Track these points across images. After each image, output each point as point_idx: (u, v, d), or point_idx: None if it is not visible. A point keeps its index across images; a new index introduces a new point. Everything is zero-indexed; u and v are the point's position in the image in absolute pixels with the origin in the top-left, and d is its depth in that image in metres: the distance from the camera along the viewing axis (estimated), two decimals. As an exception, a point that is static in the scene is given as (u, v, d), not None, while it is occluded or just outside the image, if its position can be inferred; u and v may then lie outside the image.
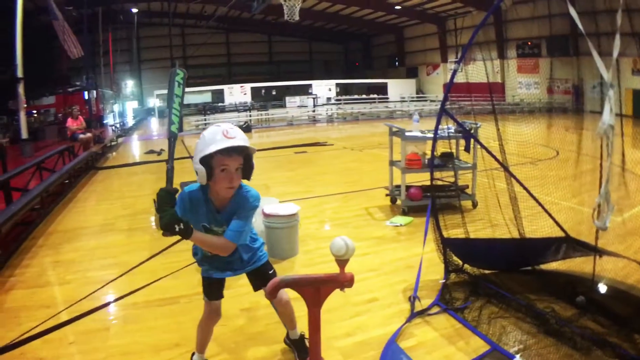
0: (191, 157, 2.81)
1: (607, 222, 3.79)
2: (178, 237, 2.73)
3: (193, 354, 3.62)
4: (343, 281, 2.39)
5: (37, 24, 23.51)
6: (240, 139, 2.80)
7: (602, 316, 3.87)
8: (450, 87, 4.85)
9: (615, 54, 3.64)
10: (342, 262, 2.40)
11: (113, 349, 4.05)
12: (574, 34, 24.05)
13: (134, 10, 40.84)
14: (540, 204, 5.03)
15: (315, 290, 2.42)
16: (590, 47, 3.78)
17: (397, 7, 37.29)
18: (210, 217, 3.03)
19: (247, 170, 2.97)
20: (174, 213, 2.65)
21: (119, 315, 4.79)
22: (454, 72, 4.73)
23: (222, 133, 2.77)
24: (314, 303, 2.44)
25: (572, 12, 4.06)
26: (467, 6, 34.35)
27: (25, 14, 17.07)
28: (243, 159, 2.89)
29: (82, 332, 4.37)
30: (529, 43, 32.26)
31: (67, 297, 5.07)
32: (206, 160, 2.77)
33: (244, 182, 3.03)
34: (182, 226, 2.64)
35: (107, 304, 4.94)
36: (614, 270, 4.47)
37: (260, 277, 3.35)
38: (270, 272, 3.41)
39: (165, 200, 2.66)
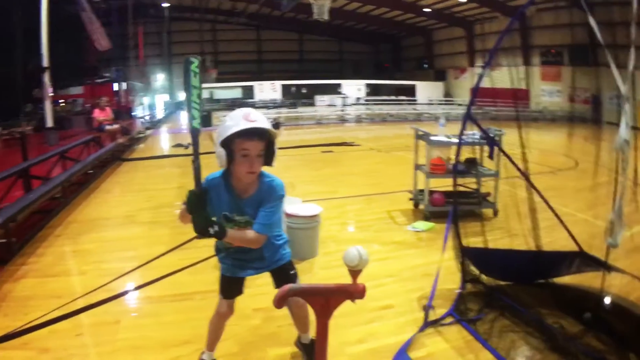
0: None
1: (618, 239, 3.76)
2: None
3: (203, 352, 3.52)
4: (354, 292, 2.25)
5: (65, 14, 23.69)
6: (261, 122, 2.71)
7: (605, 334, 3.79)
8: (476, 93, 4.71)
9: (630, 66, 3.55)
10: (354, 272, 2.26)
11: (121, 342, 4.00)
12: (593, 43, 23.69)
13: (165, 4, 41.10)
14: (557, 216, 4.87)
15: (325, 300, 2.28)
16: (608, 58, 3.71)
17: (426, 10, 36.97)
18: (232, 205, 2.94)
19: (269, 156, 2.88)
20: (207, 216, 2.62)
21: (131, 308, 4.76)
22: (480, 77, 4.60)
23: (242, 116, 2.70)
24: (323, 314, 2.30)
25: (592, 21, 3.97)
26: (493, 11, 33.94)
27: (53, 3, 17.21)
28: (265, 144, 2.80)
29: (92, 323, 4.33)
30: (552, 51, 31.81)
31: (80, 288, 5.02)
32: (227, 144, 2.71)
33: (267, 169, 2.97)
34: (216, 228, 2.61)
35: (120, 297, 4.88)
36: (620, 286, 4.37)
37: (283, 276, 3.25)
38: (292, 272, 3.32)
39: (196, 203, 2.61)
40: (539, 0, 27.21)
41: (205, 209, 2.62)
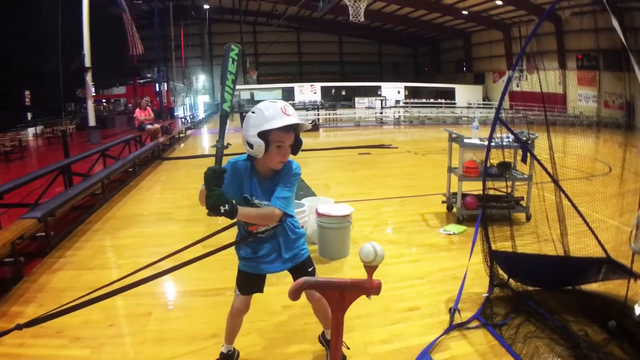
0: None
1: None
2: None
3: (223, 345, 3.59)
4: (369, 288, 2.27)
5: (108, 16, 24.24)
6: (296, 117, 2.84)
7: (628, 343, 3.70)
8: (504, 96, 4.68)
9: None
10: (370, 268, 2.29)
11: (150, 333, 4.10)
12: (626, 49, 23.25)
13: (206, 6, 41.60)
14: (585, 222, 4.77)
15: (340, 294, 2.31)
16: (633, 63, 3.66)
17: (464, 12, 36.69)
18: (254, 189, 3.01)
19: (296, 146, 2.98)
20: (221, 194, 2.65)
21: (163, 302, 4.85)
22: (509, 79, 4.58)
23: (281, 110, 2.79)
24: (338, 308, 2.33)
25: (616, 25, 3.92)
26: (530, 14, 33.50)
27: (96, 5, 17.66)
28: (294, 135, 2.92)
29: (124, 315, 4.44)
30: (579, 56, 31.24)
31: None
32: (264, 135, 2.77)
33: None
34: (227, 207, 2.65)
35: (153, 290, 4.96)
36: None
37: (300, 273, 3.22)
38: (310, 269, 3.32)
39: (213, 180, 2.67)
40: (565, 6, 26.77)
41: (220, 186, 2.68)
